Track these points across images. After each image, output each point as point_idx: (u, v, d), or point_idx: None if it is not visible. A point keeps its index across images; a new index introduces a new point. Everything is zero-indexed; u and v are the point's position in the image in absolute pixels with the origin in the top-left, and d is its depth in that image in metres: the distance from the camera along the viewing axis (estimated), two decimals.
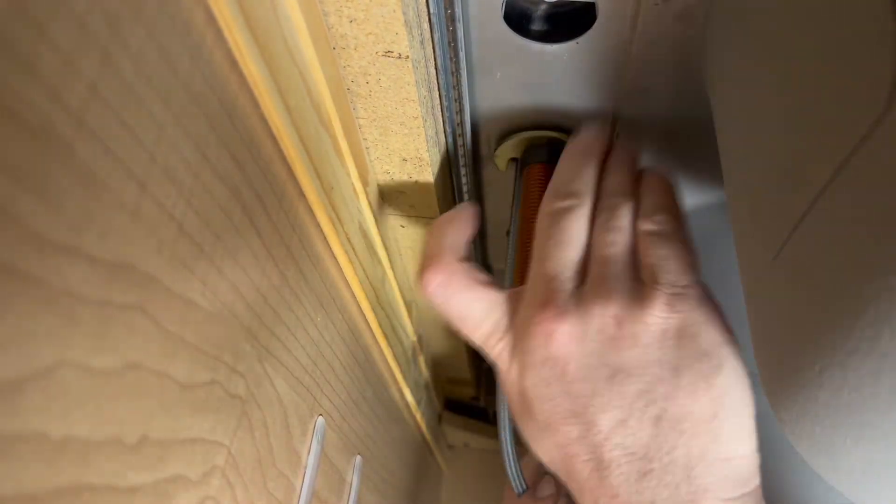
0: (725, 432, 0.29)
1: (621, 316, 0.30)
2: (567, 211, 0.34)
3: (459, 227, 0.38)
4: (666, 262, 0.31)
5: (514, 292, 0.35)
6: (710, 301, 0.31)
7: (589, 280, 0.32)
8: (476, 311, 0.35)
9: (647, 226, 0.32)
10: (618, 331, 0.30)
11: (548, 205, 0.34)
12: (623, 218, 0.33)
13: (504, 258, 0.59)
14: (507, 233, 0.45)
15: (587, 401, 0.30)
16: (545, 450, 0.33)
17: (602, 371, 0.30)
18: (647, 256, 0.31)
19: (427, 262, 0.36)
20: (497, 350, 0.34)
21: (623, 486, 0.30)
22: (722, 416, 0.29)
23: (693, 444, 0.29)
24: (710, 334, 0.30)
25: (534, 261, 0.34)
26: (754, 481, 0.30)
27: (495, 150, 0.46)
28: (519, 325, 0.33)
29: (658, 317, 0.29)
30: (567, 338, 0.31)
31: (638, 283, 0.31)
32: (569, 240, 0.33)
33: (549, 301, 0.32)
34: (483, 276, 0.36)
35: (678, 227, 0.32)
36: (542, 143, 0.44)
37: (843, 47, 0.20)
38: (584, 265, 0.33)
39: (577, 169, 0.35)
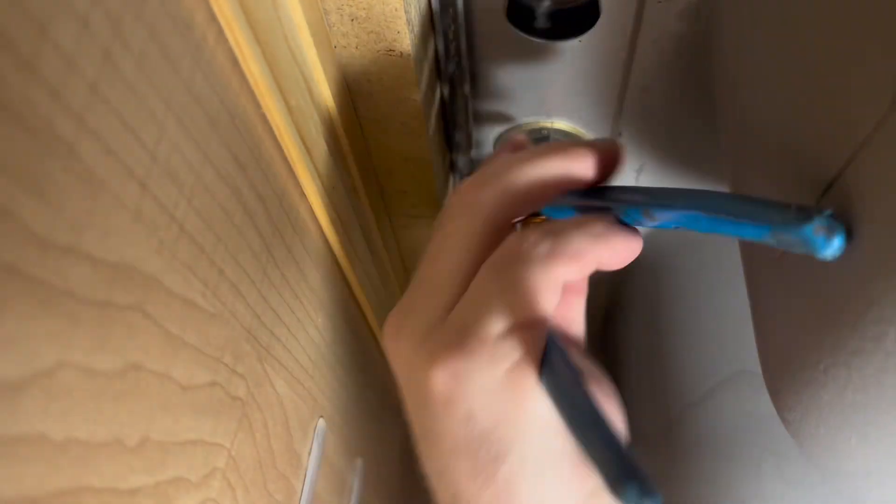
0: None
1: (407, 376, 0.25)
2: (454, 236, 0.26)
3: (564, 169, 0.26)
4: (470, 306, 0.24)
5: None
6: (517, 367, 0.23)
7: (432, 333, 0.25)
8: (438, 263, 0.27)
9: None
10: (407, 387, 0.26)
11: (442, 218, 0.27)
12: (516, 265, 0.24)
13: None
14: None
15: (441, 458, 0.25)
16: None
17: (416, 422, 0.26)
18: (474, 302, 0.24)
19: (483, 178, 0.26)
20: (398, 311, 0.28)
21: None
22: None
23: None
24: (491, 411, 0.23)
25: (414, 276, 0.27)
26: None
27: (496, 143, 0.46)
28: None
29: (428, 386, 0.23)
30: (404, 383, 0.26)
31: (435, 336, 0.24)
32: (443, 271, 0.26)
33: (397, 336, 0.26)
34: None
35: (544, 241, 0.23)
36: (544, 135, 0.44)
37: (849, 46, 0.20)
38: (450, 307, 0.25)
39: None
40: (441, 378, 0.23)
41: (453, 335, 0.23)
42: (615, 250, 0.24)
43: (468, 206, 0.26)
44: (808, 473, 0.46)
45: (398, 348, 0.25)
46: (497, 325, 0.22)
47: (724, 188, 0.32)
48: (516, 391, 0.22)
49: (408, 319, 0.25)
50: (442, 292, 0.25)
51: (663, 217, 0.23)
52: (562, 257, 0.23)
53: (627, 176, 0.47)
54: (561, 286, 0.23)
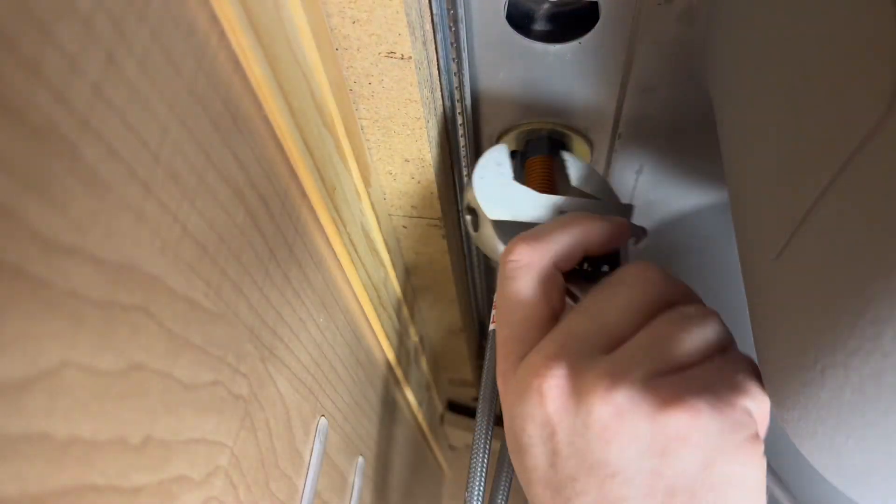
0: None
1: (625, 408, 0.25)
2: (633, 288, 0.29)
3: (588, 234, 0.33)
4: (716, 375, 0.26)
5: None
6: (754, 438, 0.26)
7: (612, 356, 0.27)
8: (519, 312, 0.31)
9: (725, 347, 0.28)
10: (616, 422, 0.26)
11: (619, 276, 0.30)
12: (707, 328, 0.28)
13: None
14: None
15: (565, 480, 0.27)
16: (520, 474, 0.30)
17: (587, 457, 0.26)
18: (703, 369, 0.27)
19: (532, 239, 0.32)
20: (503, 360, 0.31)
21: None
22: None
23: None
24: (730, 466, 0.25)
25: (571, 312, 0.30)
26: None
27: (496, 143, 0.46)
28: (523, 365, 0.29)
29: (672, 424, 0.25)
30: (559, 405, 0.27)
31: (666, 383, 0.26)
32: (621, 311, 0.29)
33: (559, 357, 0.27)
34: (556, 298, 0.31)
35: (749, 359, 0.28)
36: (542, 134, 0.44)
37: (845, 49, 0.21)
38: (618, 344, 0.28)
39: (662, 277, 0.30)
40: (687, 421, 0.25)
41: (701, 390, 0.26)
42: None
43: (530, 264, 0.32)
44: (808, 473, 0.46)
45: (580, 375, 0.27)
46: (747, 402, 0.26)
47: (722, 190, 0.32)
48: (751, 457, 0.26)
49: (586, 350, 0.28)
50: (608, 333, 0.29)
51: None
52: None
53: (626, 177, 0.47)
54: None
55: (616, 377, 0.26)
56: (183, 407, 0.24)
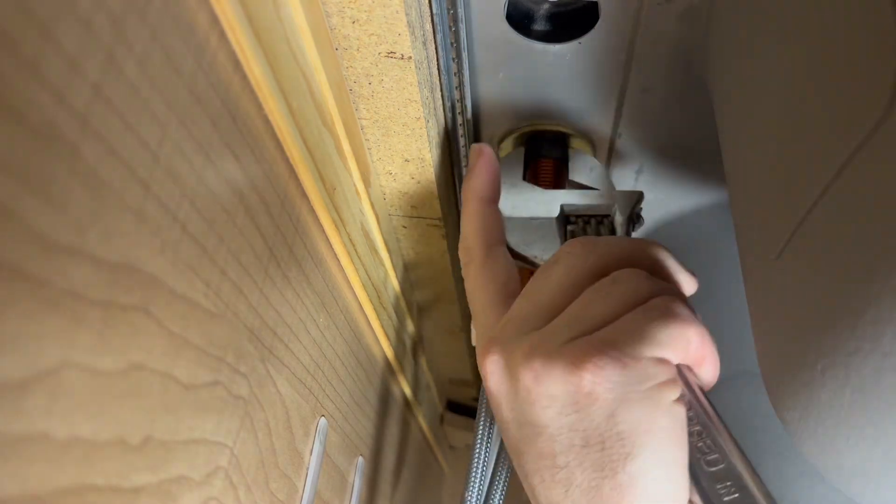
0: None
1: (541, 372, 0.28)
2: (563, 265, 0.32)
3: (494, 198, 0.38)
4: (623, 330, 0.28)
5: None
6: (663, 386, 0.28)
7: (540, 330, 0.30)
8: (478, 304, 0.35)
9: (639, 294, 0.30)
10: (536, 385, 0.28)
11: (554, 257, 0.33)
12: (622, 285, 0.30)
13: None
14: None
15: (515, 443, 0.31)
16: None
17: (521, 420, 0.30)
18: (614, 327, 0.29)
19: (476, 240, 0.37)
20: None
21: None
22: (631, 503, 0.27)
23: None
24: (633, 415, 0.27)
25: (518, 297, 0.33)
26: None
27: (498, 146, 0.46)
28: (476, 351, 0.33)
29: (579, 383, 0.27)
30: (497, 380, 0.31)
31: (576, 345, 0.28)
32: (553, 289, 0.31)
33: (496, 339, 0.31)
34: (512, 279, 0.36)
35: (672, 303, 0.29)
36: (543, 137, 0.44)
37: (845, 49, 0.21)
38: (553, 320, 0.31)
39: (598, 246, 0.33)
40: (590, 379, 0.27)
41: (605, 347, 0.27)
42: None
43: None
44: (807, 473, 0.46)
45: (511, 351, 0.30)
46: (655, 352, 0.28)
47: (722, 190, 0.32)
48: (657, 405, 0.27)
49: (522, 329, 0.31)
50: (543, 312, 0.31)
51: None
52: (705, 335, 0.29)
53: (627, 177, 0.47)
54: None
55: (536, 347, 0.29)
56: (183, 407, 0.24)
